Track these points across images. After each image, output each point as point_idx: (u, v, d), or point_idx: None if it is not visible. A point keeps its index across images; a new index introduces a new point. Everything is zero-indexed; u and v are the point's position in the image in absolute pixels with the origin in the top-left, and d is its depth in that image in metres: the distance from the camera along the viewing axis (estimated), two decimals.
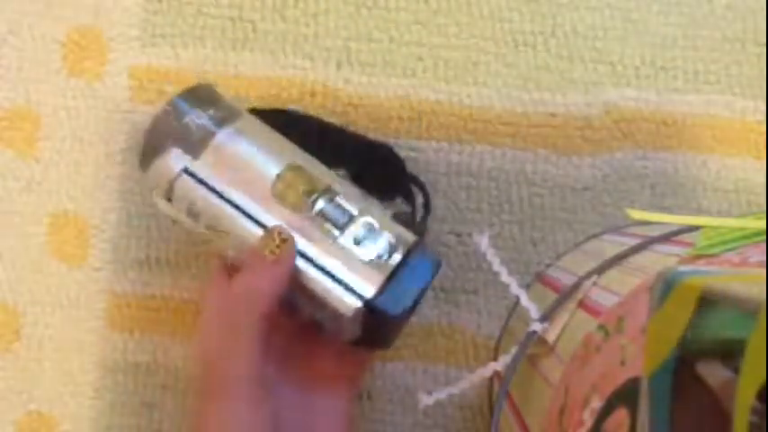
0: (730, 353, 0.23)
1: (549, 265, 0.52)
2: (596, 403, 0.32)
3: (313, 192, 0.43)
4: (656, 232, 0.41)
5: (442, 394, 0.42)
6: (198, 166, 0.42)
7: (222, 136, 0.44)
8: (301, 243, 0.42)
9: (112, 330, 0.54)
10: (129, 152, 0.55)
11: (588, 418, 0.32)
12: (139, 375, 0.54)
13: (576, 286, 0.40)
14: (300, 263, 0.42)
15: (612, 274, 0.39)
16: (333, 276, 0.41)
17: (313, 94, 0.55)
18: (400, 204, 0.51)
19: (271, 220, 0.42)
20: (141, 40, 0.56)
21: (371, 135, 0.55)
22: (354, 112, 0.55)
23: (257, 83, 0.55)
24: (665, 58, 0.56)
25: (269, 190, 0.42)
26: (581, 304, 0.39)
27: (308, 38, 0.56)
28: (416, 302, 0.43)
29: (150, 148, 0.44)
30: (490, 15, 0.56)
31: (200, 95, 0.45)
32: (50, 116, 0.55)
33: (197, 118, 0.44)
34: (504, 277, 0.42)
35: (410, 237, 0.44)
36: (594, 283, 0.39)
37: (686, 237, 0.39)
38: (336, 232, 0.42)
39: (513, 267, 0.54)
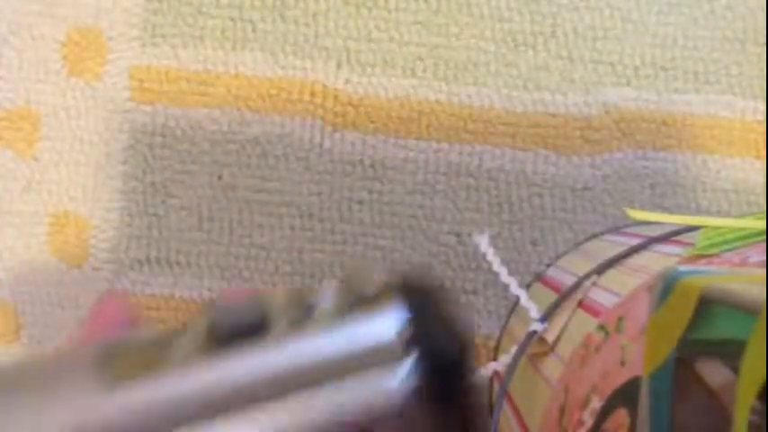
0: (730, 353, 0.23)
1: (549, 265, 0.52)
2: (596, 403, 0.32)
3: None
4: (656, 232, 0.41)
5: None
6: None
7: None
8: None
9: None
10: (131, 151, 0.55)
11: (588, 418, 0.32)
12: None
13: (576, 286, 0.40)
14: None
15: (612, 274, 0.39)
16: None
17: (313, 94, 0.55)
18: None
19: None
20: (141, 40, 0.56)
21: (371, 135, 0.55)
22: (354, 111, 0.55)
23: (257, 83, 0.55)
24: (665, 58, 0.56)
25: None
26: (581, 304, 0.39)
27: (308, 38, 0.56)
28: None
29: None
30: (490, 15, 0.56)
31: None
32: (50, 116, 0.55)
33: None
34: (504, 277, 0.42)
35: None
36: (594, 283, 0.39)
37: (686, 237, 0.39)
38: None
39: (513, 267, 0.54)
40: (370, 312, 0.20)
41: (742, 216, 0.40)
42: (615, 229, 0.51)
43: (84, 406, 0.19)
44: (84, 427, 0.18)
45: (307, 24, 0.56)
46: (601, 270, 0.40)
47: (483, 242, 0.43)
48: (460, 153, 0.55)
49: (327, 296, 0.20)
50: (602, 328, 0.35)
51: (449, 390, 0.20)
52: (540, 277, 0.50)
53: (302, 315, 0.20)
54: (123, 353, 0.19)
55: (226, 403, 0.19)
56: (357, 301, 0.20)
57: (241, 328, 0.19)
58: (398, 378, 0.19)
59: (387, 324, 0.20)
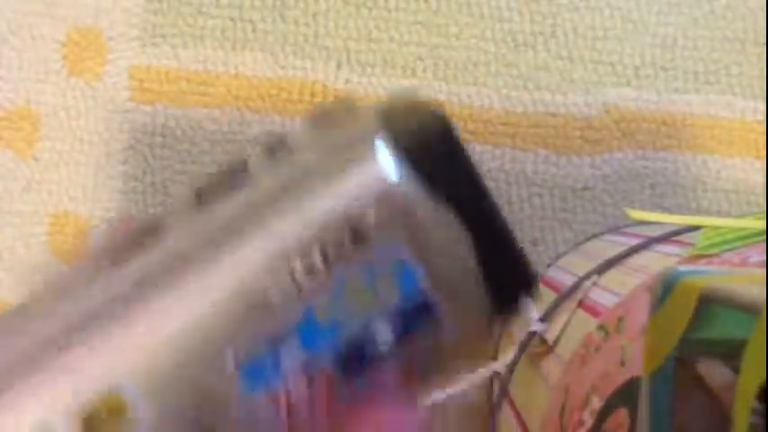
0: (730, 353, 0.23)
1: (549, 265, 0.52)
2: (596, 403, 0.32)
3: None
4: (656, 232, 0.41)
5: (441, 394, 0.42)
6: None
7: None
8: None
9: None
10: (131, 151, 0.55)
11: (588, 419, 0.32)
12: None
13: (576, 286, 0.40)
14: None
15: (612, 274, 0.39)
16: None
17: (313, 94, 0.55)
18: None
19: None
20: (141, 40, 0.56)
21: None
22: None
23: (257, 83, 0.55)
24: (665, 58, 0.56)
25: None
26: (581, 304, 0.39)
27: (308, 38, 0.56)
28: None
29: None
30: (490, 15, 0.56)
31: None
32: (50, 116, 0.55)
33: None
34: None
35: None
36: (594, 284, 0.39)
37: (686, 237, 0.39)
38: None
39: None
40: (344, 122, 0.20)
41: (742, 216, 0.40)
42: (615, 229, 0.51)
43: (93, 289, 0.19)
44: (97, 308, 0.19)
45: (307, 24, 0.56)
46: (601, 270, 0.40)
47: None
48: None
49: (301, 133, 0.21)
50: (602, 328, 0.35)
51: (438, 164, 0.20)
52: (540, 277, 0.50)
53: (280, 152, 0.20)
54: (121, 237, 0.20)
55: (221, 239, 0.19)
56: (328, 123, 0.21)
57: (223, 181, 0.20)
58: (383, 166, 0.19)
59: (360, 124, 0.20)
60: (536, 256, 0.54)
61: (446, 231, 0.20)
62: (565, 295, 0.40)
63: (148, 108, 0.55)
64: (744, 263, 0.32)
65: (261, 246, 0.19)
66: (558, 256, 0.52)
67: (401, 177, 0.19)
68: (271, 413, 0.19)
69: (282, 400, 0.19)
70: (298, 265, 0.19)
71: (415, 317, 0.19)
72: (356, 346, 0.19)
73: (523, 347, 0.40)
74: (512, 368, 0.41)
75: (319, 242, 0.19)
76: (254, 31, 0.56)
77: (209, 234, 0.19)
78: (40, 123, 0.55)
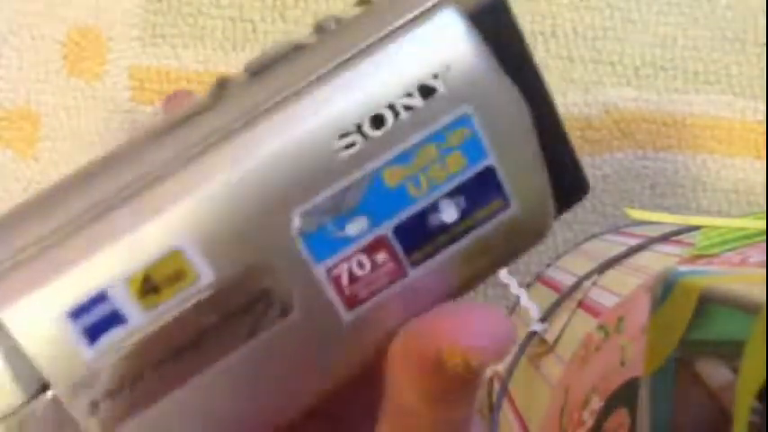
0: (730, 353, 0.23)
1: (548, 265, 0.52)
2: (596, 403, 0.32)
3: None
4: (656, 232, 0.41)
5: None
6: None
7: None
8: None
9: None
10: None
11: (588, 419, 0.32)
12: None
13: (576, 286, 0.40)
14: None
15: (612, 274, 0.39)
16: None
17: None
18: None
19: None
20: (141, 40, 0.56)
21: None
22: None
23: None
24: (665, 58, 0.56)
25: None
26: (581, 304, 0.39)
27: None
28: None
29: None
30: None
31: None
32: (50, 116, 0.55)
33: None
34: (504, 277, 0.42)
35: None
36: (594, 284, 0.39)
37: (686, 237, 0.39)
38: None
39: (513, 267, 0.54)
40: None
41: (742, 216, 0.40)
42: (615, 229, 0.51)
43: (145, 153, 0.18)
44: (153, 167, 0.18)
45: (307, 24, 0.56)
46: (601, 270, 0.40)
47: None
48: None
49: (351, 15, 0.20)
50: (602, 328, 0.35)
51: (503, 38, 0.20)
52: (540, 277, 0.50)
53: (335, 26, 0.20)
54: (176, 113, 0.19)
55: (284, 98, 0.18)
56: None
57: (278, 55, 0.19)
58: (452, 31, 0.19)
59: None
60: (536, 257, 0.54)
61: (515, 108, 0.20)
62: (565, 295, 0.40)
63: (148, 108, 0.55)
64: (744, 263, 0.32)
65: (326, 103, 0.18)
66: (558, 256, 0.52)
67: (472, 45, 0.19)
68: (330, 287, 0.18)
69: (343, 272, 0.18)
70: (367, 126, 0.18)
71: (480, 192, 0.19)
72: (421, 217, 0.19)
73: (523, 347, 0.40)
74: (512, 368, 0.41)
75: (388, 104, 0.18)
76: (254, 31, 0.56)
77: (268, 94, 0.18)
78: (40, 123, 0.55)
